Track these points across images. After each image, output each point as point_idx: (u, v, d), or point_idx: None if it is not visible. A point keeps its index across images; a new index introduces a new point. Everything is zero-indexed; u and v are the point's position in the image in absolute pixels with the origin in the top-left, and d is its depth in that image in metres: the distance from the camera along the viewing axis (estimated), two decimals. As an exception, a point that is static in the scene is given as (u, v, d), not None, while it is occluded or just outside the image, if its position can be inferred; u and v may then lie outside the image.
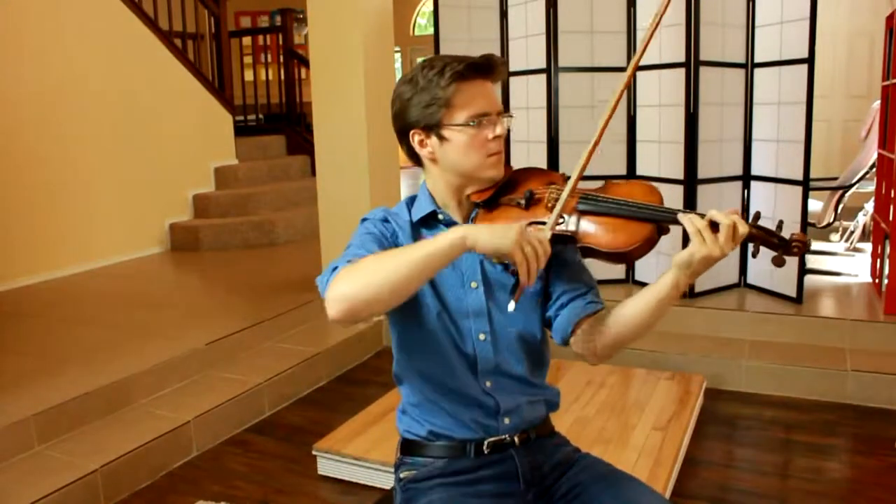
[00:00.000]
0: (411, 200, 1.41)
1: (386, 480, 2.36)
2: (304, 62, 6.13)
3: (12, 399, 2.64)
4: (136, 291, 4.33)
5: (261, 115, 7.39)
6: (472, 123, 1.28)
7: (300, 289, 4.04)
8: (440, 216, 1.36)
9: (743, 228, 1.15)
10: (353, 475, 2.48)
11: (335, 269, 1.21)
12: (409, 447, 1.40)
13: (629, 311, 1.25)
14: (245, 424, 2.96)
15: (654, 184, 1.32)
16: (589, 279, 1.37)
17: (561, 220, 1.26)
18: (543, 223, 1.24)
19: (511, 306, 1.22)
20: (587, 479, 1.34)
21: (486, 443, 1.34)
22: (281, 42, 7.05)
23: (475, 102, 1.29)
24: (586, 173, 1.24)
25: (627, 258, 1.24)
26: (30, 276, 4.48)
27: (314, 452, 2.55)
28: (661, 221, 1.22)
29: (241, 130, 6.58)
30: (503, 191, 1.34)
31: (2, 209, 4.34)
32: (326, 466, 2.54)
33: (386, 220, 1.37)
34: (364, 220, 1.39)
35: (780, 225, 1.20)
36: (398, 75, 5.10)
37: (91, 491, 2.35)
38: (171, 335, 3.36)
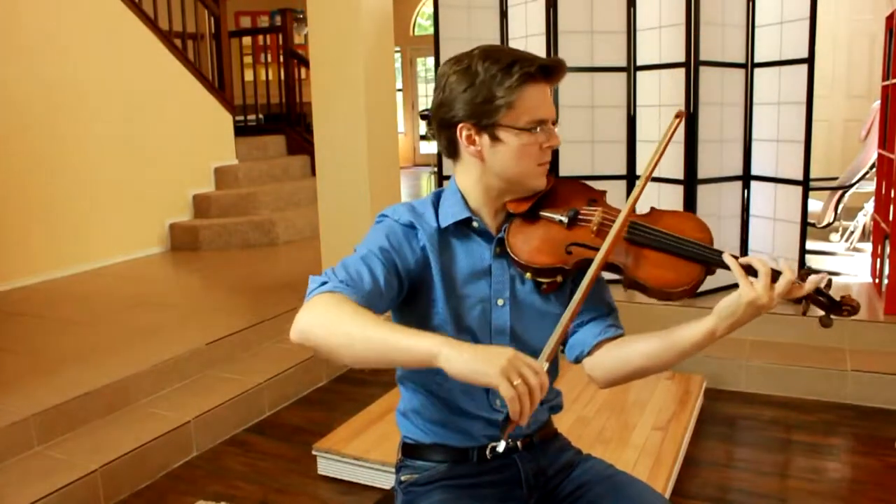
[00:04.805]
0: (437, 198, 1.29)
1: (386, 480, 2.36)
2: (304, 62, 6.13)
3: (12, 399, 2.64)
4: (136, 291, 4.32)
5: (261, 115, 7.39)
6: (533, 130, 1.19)
7: (300, 289, 3.97)
8: (475, 223, 1.26)
9: (798, 290, 1.08)
10: (353, 475, 2.48)
11: (324, 283, 1.17)
12: (410, 450, 1.37)
13: (649, 348, 1.19)
14: (245, 424, 2.96)
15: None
16: (611, 300, 1.31)
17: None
18: (587, 246, 1.19)
19: (501, 446, 1.10)
20: (591, 479, 1.33)
21: (489, 447, 1.31)
22: (281, 42, 7.05)
23: (538, 108, 1.19)
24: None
25: (672, 297, 1.18)
26: (30, 276, 4.48)
27: (314, 452, 2.55)
28: (711, 263, 1.16)
29: (241, 130, 6.58)
30: (542, 202, 1.26)
31: (2, 209, 4.35)
32: (326, 466, 2.54)
33: (411, 227, 1.24)
34: (383, 217, 1.27)
35: (829, 283, 1.15)
36: (398, 75, 5.08)
37: (91, 491, 2.35)
38: (171, 335, 3.36)
